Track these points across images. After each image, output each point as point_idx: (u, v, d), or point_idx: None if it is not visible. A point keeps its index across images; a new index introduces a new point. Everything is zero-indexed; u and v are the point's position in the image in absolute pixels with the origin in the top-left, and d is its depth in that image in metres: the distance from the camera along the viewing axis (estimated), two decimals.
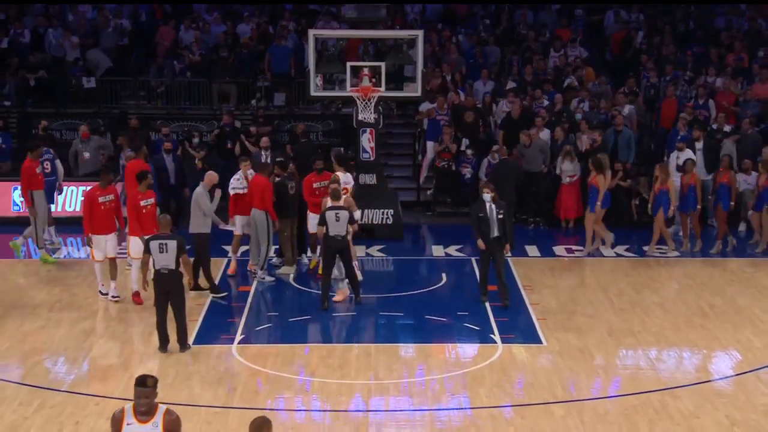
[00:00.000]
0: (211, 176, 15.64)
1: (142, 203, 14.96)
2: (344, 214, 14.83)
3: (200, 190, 15.39)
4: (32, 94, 23.43)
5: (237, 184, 16.33)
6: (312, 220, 16.26)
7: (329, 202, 15.21)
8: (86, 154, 20.44)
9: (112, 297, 15.20)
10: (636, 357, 13.47)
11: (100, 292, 15.41)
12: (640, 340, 13.97)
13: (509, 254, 15.39)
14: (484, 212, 14.85)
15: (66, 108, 23.01)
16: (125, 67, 24.36)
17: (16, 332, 14.06)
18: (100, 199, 15.10)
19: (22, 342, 13.68)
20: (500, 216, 14.80)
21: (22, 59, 23.86)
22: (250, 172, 16.33)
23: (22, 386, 12.12)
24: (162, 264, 12.95)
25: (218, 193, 15.54)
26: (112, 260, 15.24)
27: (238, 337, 13.83)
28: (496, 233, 14.81)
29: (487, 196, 14.89)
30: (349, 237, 15.09)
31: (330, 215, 14.78)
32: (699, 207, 18.31)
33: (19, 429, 10.89)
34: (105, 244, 15.19)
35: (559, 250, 18.55)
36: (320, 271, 15.53)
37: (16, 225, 19.14)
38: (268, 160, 18.49)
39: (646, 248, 18.33)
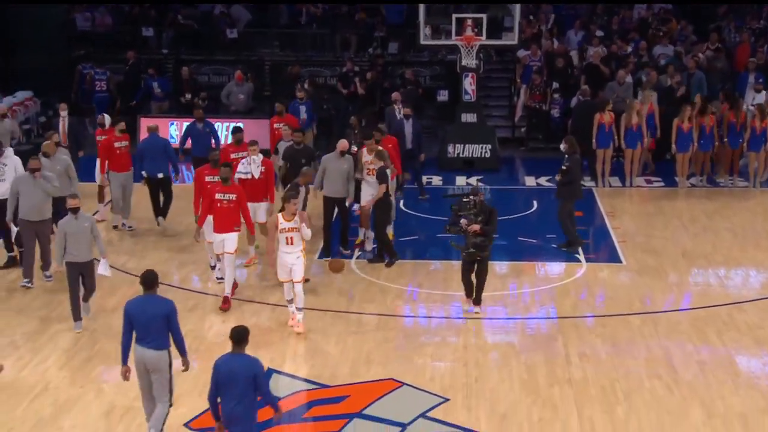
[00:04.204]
0: (343, 142, 13.63)
1: (217, 196, 11.82)
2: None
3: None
4: (185, 43, 23.74)
5: (242, 168, 13.12)
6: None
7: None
8: (241, 96, 20.63)
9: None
10: (706, 275, 13.12)
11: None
12: (711, 261, 13.59)
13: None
14: None
15: (213, 56, 23.29)
16: (262, 20, 24.45)
17: (167, 253, 14.37)
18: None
19: (180, 252, 14.08)
20: (563, 167, 13.69)
21: (176, 13, 24.18)
22: (258, 156, 13.16)
23: (180, 290, 12.45)
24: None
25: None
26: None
27: (356, 253, 13.88)
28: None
29: (561, 147, 14.01)
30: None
31: (389, 172, 13.18)
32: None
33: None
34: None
35: (638, 180, 18.01)
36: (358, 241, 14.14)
37: None
38: (401, 116, 17.04)
39: (720, 180, 17.76)
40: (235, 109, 20.53)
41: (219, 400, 7.66)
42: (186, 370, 8.68)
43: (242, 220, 12.07)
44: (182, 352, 8.57)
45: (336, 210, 13.65)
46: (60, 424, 9.00)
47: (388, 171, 13.22)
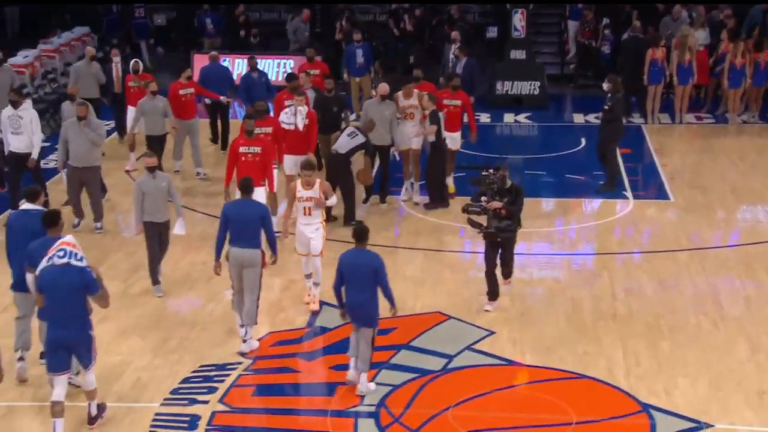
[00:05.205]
0: (383, 86, 12.96)
1: (241, 149, 11.05)
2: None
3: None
4: None
5: (285, 118, 12.22)
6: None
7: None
8: (306, 33, 20.32)
9: None
10: (755, 212, 12.86)
11: None
12: (760, 197, 13.29)
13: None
14: None
15: None
16: None
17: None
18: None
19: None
20: (605, 107, 13.39)
21: None
22: (303, 107, 12.20)
23: None
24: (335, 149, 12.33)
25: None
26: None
27: (404, 194, 13.50)
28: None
29: (604, 86, 13.63)
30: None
31: (442, 115, 12.60)
32: None
33: None
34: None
35: (688, 117, 17.55)
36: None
37: None
38: (452, 55, 16.60)
39: None
40: (299, 47, 20.18)
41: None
42: (275, 263, 9.36)
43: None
44: (274, 249, 9.18)
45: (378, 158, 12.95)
46: (119, 350, 9.19)
47: (441, 114, 12.62)
